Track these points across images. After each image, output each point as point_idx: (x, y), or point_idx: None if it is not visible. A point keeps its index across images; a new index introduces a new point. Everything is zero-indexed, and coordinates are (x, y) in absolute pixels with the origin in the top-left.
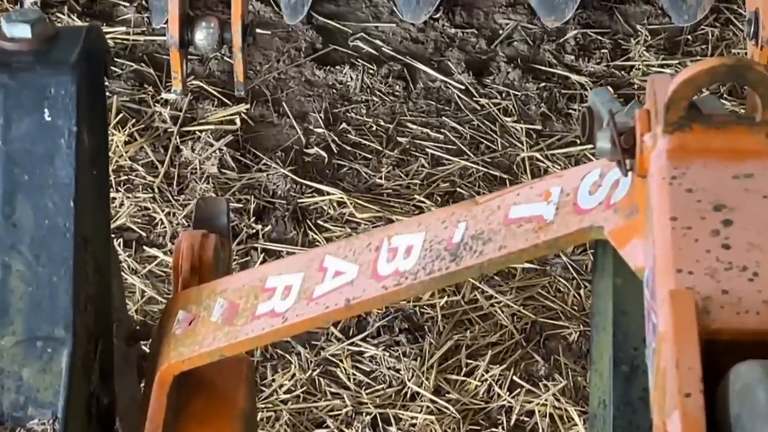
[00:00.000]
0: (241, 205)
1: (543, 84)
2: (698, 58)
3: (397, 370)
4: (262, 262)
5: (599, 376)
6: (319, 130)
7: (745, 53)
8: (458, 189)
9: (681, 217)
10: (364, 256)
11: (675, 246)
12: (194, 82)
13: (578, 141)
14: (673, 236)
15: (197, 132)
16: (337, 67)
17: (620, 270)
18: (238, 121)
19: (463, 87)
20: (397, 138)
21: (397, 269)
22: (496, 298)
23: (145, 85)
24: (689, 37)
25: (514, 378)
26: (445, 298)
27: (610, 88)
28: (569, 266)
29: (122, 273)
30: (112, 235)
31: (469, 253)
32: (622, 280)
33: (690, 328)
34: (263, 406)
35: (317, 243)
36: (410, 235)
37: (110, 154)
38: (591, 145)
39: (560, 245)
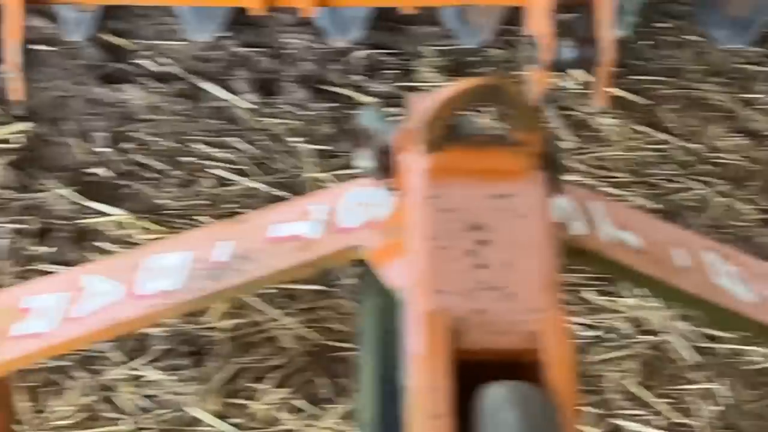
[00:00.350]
0: (21, 226)
1: (330, 104)
2: None
3: (180, 394)
4: None
5: (367, 395)
6: (104, 150)
7: (528, 75)
8: (244, 209)
9: (438, 237)
10: (127, 275)
11: (431, 266)
12: None
13: None
14: (429, 256)
15: None
16: (123, 85)
17: (386, 289)
18: (19, 139)
19: (250, 106)
20: (183, 158)
21: (160, 289)
22: (281, 320)
23: None
24: (475, 58)
25: (298, 401)
26: (230, 320)
27: (381, 106)
28: (354, 288)
29: None
30: None
31: (232, 273)
32: (387, 299)
33: (442, 350)
34: None
35: None
36: (174, 253)
37: None
38: None
39: (324, 264)
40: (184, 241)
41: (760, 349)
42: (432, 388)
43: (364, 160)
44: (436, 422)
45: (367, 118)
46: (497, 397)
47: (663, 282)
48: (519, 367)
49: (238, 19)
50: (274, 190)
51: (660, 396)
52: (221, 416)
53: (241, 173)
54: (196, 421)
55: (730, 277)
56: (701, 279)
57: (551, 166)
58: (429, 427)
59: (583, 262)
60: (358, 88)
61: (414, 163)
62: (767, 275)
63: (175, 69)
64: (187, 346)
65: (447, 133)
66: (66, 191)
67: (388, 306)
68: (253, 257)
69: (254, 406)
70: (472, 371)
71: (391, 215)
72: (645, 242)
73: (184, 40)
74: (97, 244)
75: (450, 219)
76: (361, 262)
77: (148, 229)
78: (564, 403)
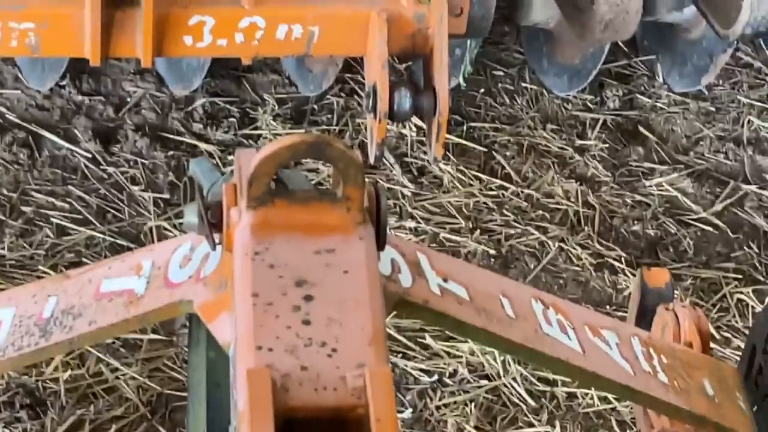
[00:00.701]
0: None
1: (171, 152)
2: (324, 127)
3: None
4: None
5: None
6: None
7: (367, 123)
8: (84, 259)
9: (262, 293)
10: None
11: (255, 322)
12: None
13: None
14: (254, 313)
15: None
16: None
17: (214, 342)
18: None
19: (90, 155)
20: (21, 207)
21: None
22: (121, 370)
23: None
24: (315, 106)
25: None
26: (69, 372)
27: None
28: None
29: None
30: None
31: (58, 329)
32: (215, 353)
33: (265, 408)
34: None
35: None
36: (2, 309)
37: None
38: None
39: (151, 319)
40: (13, 297)
41: (595, 392)
42: None
43: (188, 214)
44: None
45: (197, 169)
46: None
47: (490, 332)
48: (346, 423)
49: (78, 68)
50: (115, 239)
51: None
52: None
53: (82, 222)
54: None
55: (555, 326)
56: (528, 328)
57: (377, 220)
58: None
59: (412, 315)
60: (199, 137)
61: (239, 218)
62: (591, 324)
63: (13, 118)
64: (27, 398)
65: (272, 188)
66: None
67: (217, 359)
68: (82, 313)
69: None
70: (300, 428)
71: (218, 269)
72: (472, 293)
73: (23, 88)
74: None
75: (275, 275)
76: (191, 316)
77: None
78: None
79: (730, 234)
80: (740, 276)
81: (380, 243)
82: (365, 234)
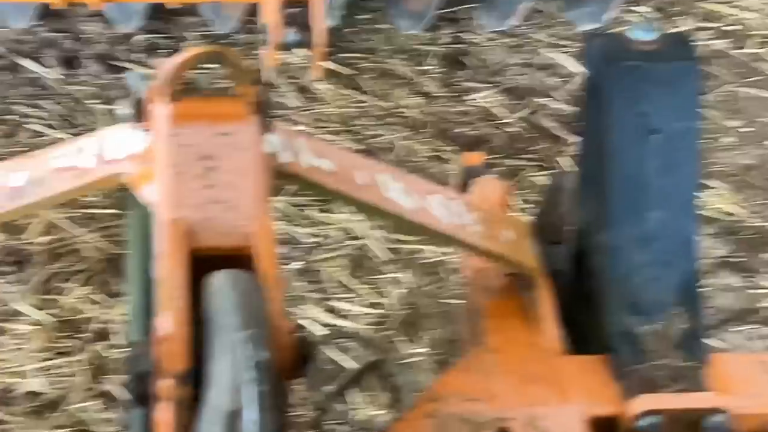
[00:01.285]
0: None
1: (118, 75)
2: None
3: (6, 293)
4: None
5: (133, 284)
6: None
7: (263, 53)
8: None
9: (177, 165)
10: None
11: (171, 186)
12: None
13: None
14: (170, 180)
15: None
16: None
17: (144, 205)
18: None
19: (57, 77)
20: (6, 116)
21: None
22: (84, 236)
23: None
24: (226, 41)
25: (98, 296)
26: (44, 237)
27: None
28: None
29: None
30: None
31: (27, 195)
32: (146, 213)
33: (178, 248)
34: None
35: None
36: None
37: None
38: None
39: (98, 187)
40: None
41: (434, 247)
42: (171, 276)
43: (122, 108)
44: (175, 302)
45: (132, 78)
46: (220, 279)
47: (348, 195)
48: (240, 259)
49: (47, 11)
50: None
51: (363, 284)
52: (38, 308)
53: (52, 127)
54: (18, 313)
55: (397, 192)
56: (377, 193)
57: (264, 111)
58: (171, 305)
59: (291, 183)
60: (139, 63)
61: (160, 110)
62: (423, 189)
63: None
64: (11, 257)
65: (184, 87)
66: None
67: (146, 217)
68: (43, 183)
69: (63, 300)
70: (206, 264)
71: (145, 150)
72: (336, 167)
73: (5, 26)
74: None
75: (186, 152)
76: (125, 187)
77: None
78: (270, 284)
79: (530, 134)
80: (535, 164)
81: (266, 128)
82: (255, 121)
